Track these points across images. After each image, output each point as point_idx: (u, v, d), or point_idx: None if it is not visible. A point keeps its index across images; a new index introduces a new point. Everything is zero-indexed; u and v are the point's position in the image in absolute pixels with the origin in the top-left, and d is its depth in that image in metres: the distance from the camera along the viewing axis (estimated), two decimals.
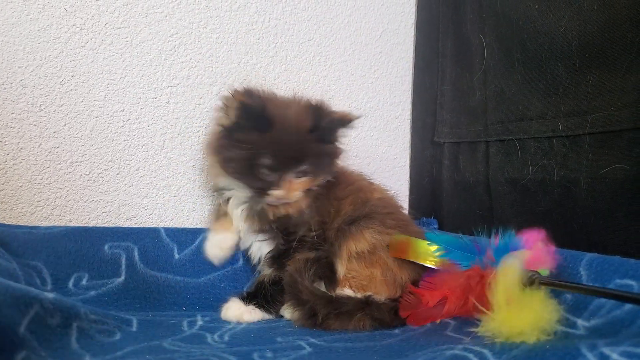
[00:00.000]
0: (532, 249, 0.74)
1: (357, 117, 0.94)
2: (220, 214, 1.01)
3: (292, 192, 0.90)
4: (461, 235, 0.88)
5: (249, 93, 0.88)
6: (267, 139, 0.86)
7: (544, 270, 0.72)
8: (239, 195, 0.94)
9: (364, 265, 0.88)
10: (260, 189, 0.89)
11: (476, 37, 1.13)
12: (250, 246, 0.96)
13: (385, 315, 0.83)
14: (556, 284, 0.66)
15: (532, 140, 0.99)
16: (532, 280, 0.67)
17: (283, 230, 0.92)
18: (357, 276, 0.88)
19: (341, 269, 0.90)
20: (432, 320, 0.81)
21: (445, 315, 0.80)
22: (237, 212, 0.95)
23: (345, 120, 0.93)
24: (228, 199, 0.96)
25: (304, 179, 0.91)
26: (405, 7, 1.34)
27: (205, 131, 1.08)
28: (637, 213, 0.80)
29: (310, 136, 0.89)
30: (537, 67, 0.97)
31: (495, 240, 0.78)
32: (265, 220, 0.92)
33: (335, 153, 0.95)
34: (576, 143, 0.90)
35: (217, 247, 0.96)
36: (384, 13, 1.31)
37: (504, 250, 0.75)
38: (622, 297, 0.58)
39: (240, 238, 0.97)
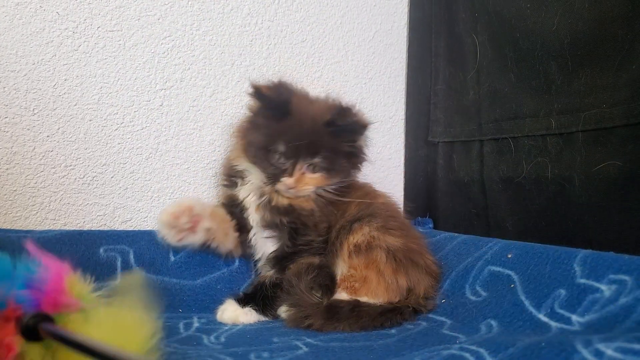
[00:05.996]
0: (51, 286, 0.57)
1: (369, 123, 0.95)
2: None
3: (303, 184, 0.90)
4: None
5: (276, 84, 0.91)
6: (283, 126, 0.89)
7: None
8: (254, 180, 0.95)
9: (363, 264, 0.88)
10: (272, 175, 0.90)
11: (469, 36, 1.13)
12: (258, 241, 0.97)
13: (371, 320, 0.82)
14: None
15: (526, 139, 0.99)
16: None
17: (292, 230, 0.92)
18: (355, 274, 0.88)
19: (343, 267, 0.89)
20: None
21: None
22: (251, 199, 0.95)
23: (359, 123, 0.94)
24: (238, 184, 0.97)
25: (317, 174, 0.91)
26: (397, 8, 1.34)
27: (199, 133, 1.09)
28: (630, 209, 0.81)
29: (325, 129, 0.90)
30: (530, 65, 0.98)
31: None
32: (269, 208, 0.92)
33: (353, 157, 0.96)
34: (569, 140, 0.91)
35: (176, 203, 0.89)
36: (377, 14, 1.31)
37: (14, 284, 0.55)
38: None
39: (213, 234, 0.93)
